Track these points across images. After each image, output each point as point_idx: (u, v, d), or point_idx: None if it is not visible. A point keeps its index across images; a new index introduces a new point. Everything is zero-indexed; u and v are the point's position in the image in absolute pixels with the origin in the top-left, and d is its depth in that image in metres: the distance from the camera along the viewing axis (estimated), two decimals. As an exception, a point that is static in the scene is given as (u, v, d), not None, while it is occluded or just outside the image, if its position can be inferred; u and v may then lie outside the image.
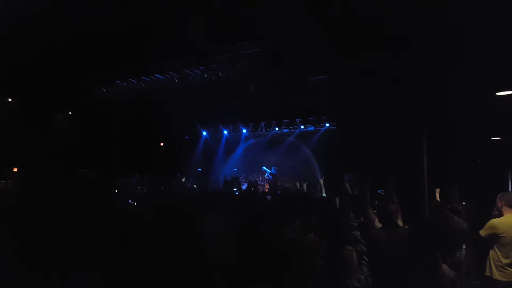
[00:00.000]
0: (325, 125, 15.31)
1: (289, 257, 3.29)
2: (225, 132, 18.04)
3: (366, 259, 2.71)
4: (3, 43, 9.80)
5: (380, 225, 3.63)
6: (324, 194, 5.74)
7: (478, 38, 5.25)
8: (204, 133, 18.65)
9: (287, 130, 16.27)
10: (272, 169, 15.75)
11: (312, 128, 15.63)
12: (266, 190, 13.57)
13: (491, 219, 4.20)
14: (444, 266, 2.84)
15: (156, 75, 12.76)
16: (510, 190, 9.76)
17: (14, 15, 9.03)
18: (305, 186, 6.48)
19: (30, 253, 3.42)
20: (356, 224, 3.10)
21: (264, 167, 15.92)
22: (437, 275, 2.77)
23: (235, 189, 12.78)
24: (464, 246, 4.88)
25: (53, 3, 8.82)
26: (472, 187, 7.21)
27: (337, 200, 5.21)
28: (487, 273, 4.18)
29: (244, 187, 14.77)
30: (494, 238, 4.09)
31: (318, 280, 2.63)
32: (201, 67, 11.93)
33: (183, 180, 15.92)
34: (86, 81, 13.79)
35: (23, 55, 10.70)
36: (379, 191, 11.24)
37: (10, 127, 13.53)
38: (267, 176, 15.73)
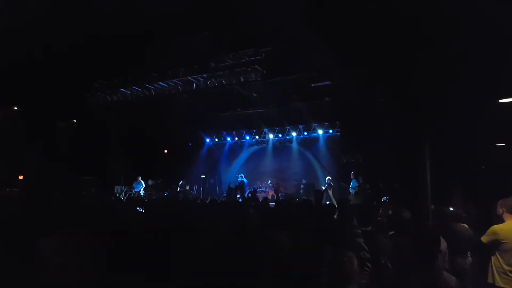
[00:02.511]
0: (328, 131, 15.32)
1: (291, 262, 3.30)
2: (228, 138, 18.08)
3: (370, 265, 2.71)
4: (8, 53, 9.93)
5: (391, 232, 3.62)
6: (335, 204, 5.73)
7: (481, 45, 5.28)
8: (208, 140, 18.70)
9: (290, 136, 16.29)
10: (239, 176, 16.05)
11: (315, 134, 15.64)
12: (270, 197, 13.58)
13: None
14: (445, 273, 2.83)
15: (160, 83, 12.83)
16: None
17: (17, 23, 9.15)
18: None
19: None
20: (360, 231, 3.09)
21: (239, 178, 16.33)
22: (438, 282, 2.77)
23: (238, 195, 12.82)
24: (469, 253, 4.85)
25: (57, 10, 8.93)
26: (477, 193, 7.19)
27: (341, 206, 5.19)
28: (490, 280, 4.14)
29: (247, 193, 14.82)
30: (496, 245, 4.06)
31: (321, 286, 2.64)
32: (204, 75, 11.99)
33: (187, 187, 16.00)
34: (90, 89, 13.93)
35: (27, 64, 10.83)
36: (383, 198, 11.22)
37: (15, 135, 13.63)
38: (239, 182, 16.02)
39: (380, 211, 6.81)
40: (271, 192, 15.54)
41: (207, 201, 6.33)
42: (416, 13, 5.78)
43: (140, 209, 5.69)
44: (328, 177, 14.65)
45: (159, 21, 9.45)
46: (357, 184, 12.85)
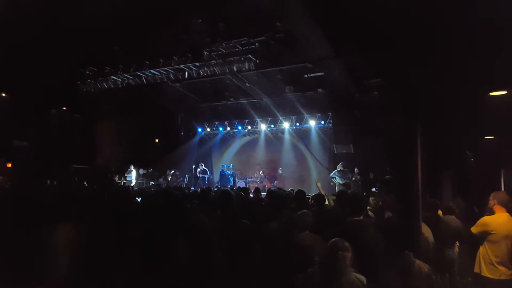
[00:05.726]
0: (320, 122, 15.34)
1: (284, 253, 3.33)
2: (221, 128, 18.02)
3: (364, 257, 2.74)
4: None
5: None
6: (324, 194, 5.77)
7: (472, 39, 5.31)
8: (199, 130, 18.63)
9: (282, 127, 16.27)
10: (201, 165, 16.55)
11: (307, 125, 15.66)
12: (261, 187, 13.63)
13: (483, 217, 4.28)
14: (417, 262, 2.90)
15: (152, 71, 12.68)
16: (502, 188, 9.88)
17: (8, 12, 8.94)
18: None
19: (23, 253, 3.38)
20: (353, 221, 3.12)
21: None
22: (411, 271, 2.83)
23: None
24: (457, 244, 4.95)
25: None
26: (466, 186, 7.30)
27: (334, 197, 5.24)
28: (476, 269, 4.25)
29: (240, 185, 14.87)
30: (485, 236, 4.16)
31: (314, 276, 2.66)
32: (197, 64, 11.87)
33: (179, 179, 16.00)
34: (80, 77, 13.72)
35: (16, 50, 10.60)
36: (373, 189, 11.32)
37: (3, 122, 13.41)
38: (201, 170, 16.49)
39: (370, 201, 6.88)
40: (264, 183, 15.61)
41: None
42: (408, 6, 5.78)
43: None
44: (280, 168, 15.70)
45: (152, 8, 9.29)
46: (349, 175, 12.96)
